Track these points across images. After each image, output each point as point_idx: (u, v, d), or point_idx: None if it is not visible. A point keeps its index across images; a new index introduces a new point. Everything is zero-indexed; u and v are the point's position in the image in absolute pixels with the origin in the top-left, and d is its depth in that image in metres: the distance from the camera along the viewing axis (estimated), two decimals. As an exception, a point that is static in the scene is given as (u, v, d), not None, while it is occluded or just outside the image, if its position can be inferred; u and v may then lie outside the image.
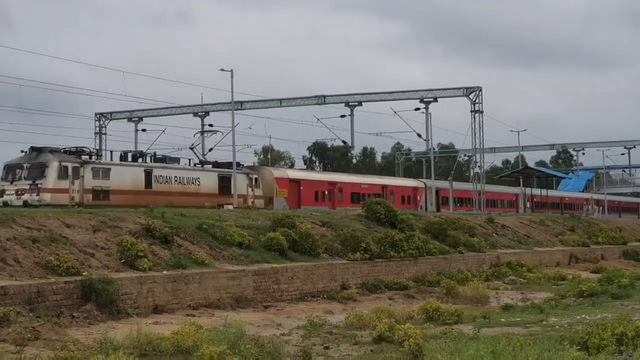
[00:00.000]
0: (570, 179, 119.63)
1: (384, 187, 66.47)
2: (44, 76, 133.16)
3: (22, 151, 42.48)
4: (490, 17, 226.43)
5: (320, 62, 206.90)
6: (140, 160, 47.10)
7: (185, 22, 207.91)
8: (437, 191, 73.12)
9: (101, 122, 77.61)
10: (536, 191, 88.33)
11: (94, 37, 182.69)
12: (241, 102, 70.60)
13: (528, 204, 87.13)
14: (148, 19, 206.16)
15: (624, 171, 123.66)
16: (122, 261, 27.47)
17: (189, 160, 52.38)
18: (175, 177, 47.80)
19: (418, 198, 70.23)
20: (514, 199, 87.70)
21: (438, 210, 68.17)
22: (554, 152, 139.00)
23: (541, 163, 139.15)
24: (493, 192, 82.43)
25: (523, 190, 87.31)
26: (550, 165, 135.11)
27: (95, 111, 78.61)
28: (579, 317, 24.88)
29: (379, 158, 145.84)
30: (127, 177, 44.67)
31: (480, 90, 67.52)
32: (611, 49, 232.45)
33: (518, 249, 53.15)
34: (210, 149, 73.63)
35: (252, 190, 53.19)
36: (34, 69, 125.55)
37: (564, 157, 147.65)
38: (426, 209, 68.20)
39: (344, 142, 74.43)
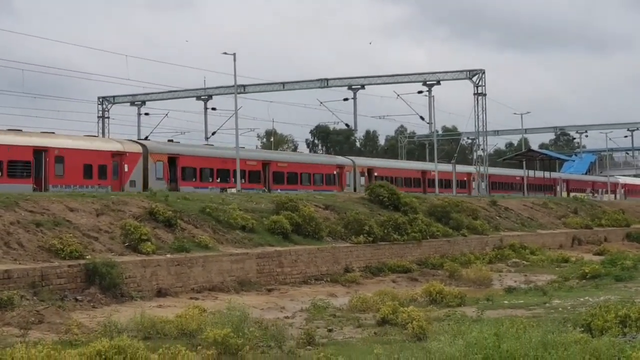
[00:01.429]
0: (574, 161, 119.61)
1: (39, 150, 41.79)
2: (46, 60, 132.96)
3: None
4: (494, 1, 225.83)
5: (324, 46, 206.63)
6: None
7: (188, 5, 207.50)
8: (173, 159, 49.71)
9: (104, 106, 77.66)
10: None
11: (96, 20, 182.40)
12: (244, 86, 70.55)
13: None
14: (151, 2, 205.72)
15: (627, 153, 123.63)
16: (126, 245, 27.51)
17: None
18: None
19: (126, 169, 46.38)
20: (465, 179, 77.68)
21: (172, 189, 45.54)
22: (554, 135, 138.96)
23: (543, 146, 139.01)
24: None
25: (527, 172, 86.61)
26: (551, 148, 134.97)
27: (98, 95, 78.68)
28: (582, 299, 24.93)
29: (382, 141, 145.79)
30: None
31: (484, 73, 67.47)
32: (615, 32, 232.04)
33: (521, 232, 53.15)
34: (214, 133, 73.83)
35: None
36: (37, 53, 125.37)
37: (564, 140, 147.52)
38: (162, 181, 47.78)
39: (346, 125, 74.45)
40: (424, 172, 73.95)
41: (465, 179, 76.76)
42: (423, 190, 68.42)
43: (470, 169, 78.06)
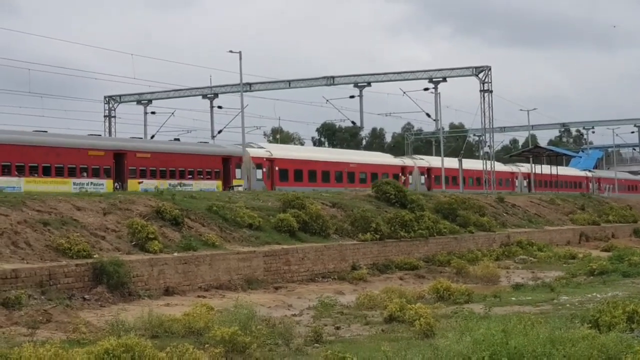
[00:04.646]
0: (581, 157, 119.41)
1: None
2: (52, 60, 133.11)
3: None
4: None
5: (328, 44, 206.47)
6: None
7: (193, 4, 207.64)
8: None
9: (110, 105, 77.66)
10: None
11: (102, 19, 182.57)
12: (250, 84, 70.54)
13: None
14: (156, 0, 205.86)
15: (634, 149, 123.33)
16: (133, 243, 27.55)
17: None
18: None
19: None
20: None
21: None
22: (558, 132, 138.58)
23: (551, 143, 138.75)
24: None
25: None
26: (560, 145, 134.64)
27: (104, 94, 78.67)
28: (589, 296, 24.89)
29: (388, 138, 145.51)
30: None
31: (490, 69, 67.27)
32: (620, 28, 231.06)
33: (528, 228, 53.13)
34: (220, 131, 73.92)
35: None
36: (43, 52, 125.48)
37: (574, 136, 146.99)
38: None
39: (353, 122, 74.29)
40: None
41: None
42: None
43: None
